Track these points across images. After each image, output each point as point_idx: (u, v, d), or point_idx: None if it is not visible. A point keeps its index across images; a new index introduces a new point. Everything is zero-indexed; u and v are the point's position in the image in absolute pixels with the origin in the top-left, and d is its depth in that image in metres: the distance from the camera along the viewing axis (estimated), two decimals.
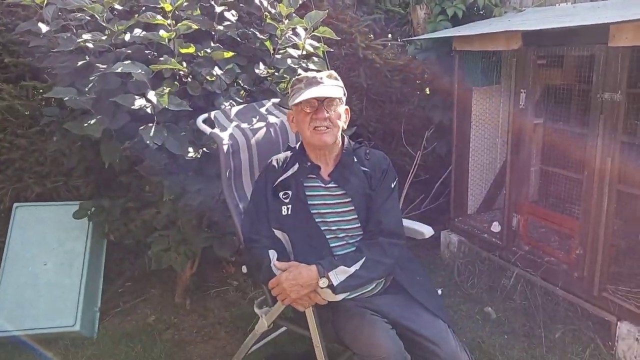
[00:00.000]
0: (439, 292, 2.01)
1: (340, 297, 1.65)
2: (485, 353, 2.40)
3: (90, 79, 2.06)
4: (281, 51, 2.37)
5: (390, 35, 3.78)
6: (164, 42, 2.06)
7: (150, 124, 2.02)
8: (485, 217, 3.33)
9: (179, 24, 2.04)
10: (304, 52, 2.35)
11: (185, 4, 2.21)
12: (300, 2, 2.44)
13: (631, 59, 2.10)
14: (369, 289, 1.84)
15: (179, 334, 2.61)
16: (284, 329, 2.36)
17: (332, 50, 2.75)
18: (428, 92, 3.76)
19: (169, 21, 2.05)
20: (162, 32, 2.01)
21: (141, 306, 2.86)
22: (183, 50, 2.04)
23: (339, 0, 3.30)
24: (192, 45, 2.07)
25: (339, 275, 1.63)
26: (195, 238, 2.47)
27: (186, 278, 2.87)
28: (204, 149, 2.18)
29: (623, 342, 2.24)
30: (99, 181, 2.79)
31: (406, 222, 2.08)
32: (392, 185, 1.83)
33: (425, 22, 3.58)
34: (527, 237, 2.76)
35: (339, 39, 2.78)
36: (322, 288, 1.63)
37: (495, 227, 3.04)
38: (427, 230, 2.04)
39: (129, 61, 1.98)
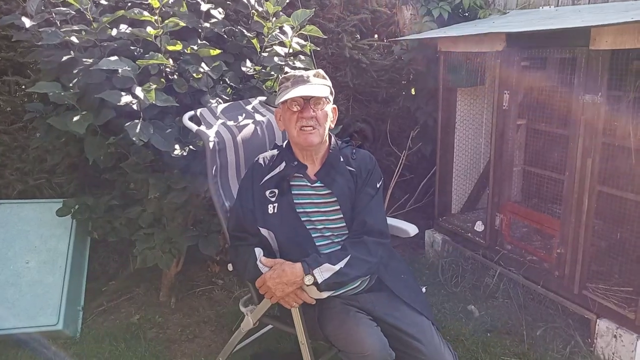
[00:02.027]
0: (423, 290, 2.03)
1: (325, 294, 1.66)
2: (469, 350, 2.43)
3: (74, 72, 2.03)
4: (268, 49, 2.38)
5: (376, 36, 3.81)
6: (150, 39, 2.05)
7: (137, 120, 2.01)
8: (469, 216, 3.37)
9: (166, 21, 2.03)
10: (291, 51, 2.35)
11: (172, 0, 2.19)
12: (288, 1, 2.45)
13: (611, 62, 2.15)
14: (353, 287, 1.85)
15: (164, 333, 2.60)
16: (269, 327, 2.38)
17: (319, 49, 2.76)
18: (414, 93, 3.79)
19: (155, 17, 2.04)
20: (149, 29, 2.00)
21: (125, 305, 2.84)
22: (170, 48, 2.03)
23: None
24: (179, 42, 2.06)
25: (324, 272, 1.64)
26: (180, 236, 2.46)
27: (171, 277, 2.86)
28: (190, 146, 2.17)
29: (602, 339, 2.28)
30: (83, 178, 2.76)
31: (391, 221, 2.11)
32: (378, 185, 1.84)
33: (411, 23, 3.60)
34: (510, 236, 2.80)
35: (326, 37, 2.79)
36: (307, 285, 1.63)
37: (479, 226, 3.08)
38: (412, 229, 2.07)
39: (115, 57, 1.96)
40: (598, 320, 2.30)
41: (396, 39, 3.51)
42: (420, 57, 3.59)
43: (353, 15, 3.45)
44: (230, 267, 1.95)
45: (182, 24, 2.05)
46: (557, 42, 2.35)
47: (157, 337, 2.56)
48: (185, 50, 2.13)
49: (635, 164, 2.48)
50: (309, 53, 2.44)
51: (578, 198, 2.32)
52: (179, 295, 2.89)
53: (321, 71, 1.80)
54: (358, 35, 3.53)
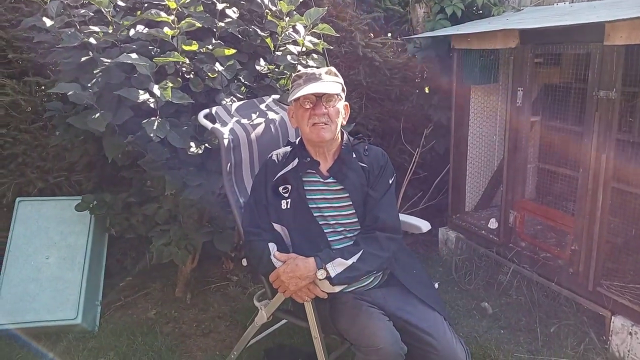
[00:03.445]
0: (436, 285, 2.04)
1: (337, 288, 1.69)
2: (482, 347, 2.43)
3: (95, 72, 2.08)
4: (281, 48, 2.40)
5: (390, 34, 3.82)
6: (167, 39, 2.09)
7: (154, 118, 2.05)
8: (483, 214, 3.36)
9: (182, 22, 2.07)
10: (304, 49, 2.38)
11: (188, 0, 2.23)
12: (301, 0, 2.48)
13: (625, 58, 2.14)
14: (366, 283, 1.87)
15: (180, 328, 2.65)
16: (283, 322, 2.40)
17: (332, 47, 2.78)
18: (427, 91, 3.79)
19: (172, 17, 2.08)
20: (166, 29, 2.04)
21: (142, 300, 2.89)
22: (186, 47, 2.07)
23: None
24: (194, 42, 2.10)
25: (336, 267, 1.66)
26: (196, 233, 2.50)
27: (187, 273, 2.90)
28: (206, 144, 2.21)
29: (617, 336, 2.27)
30: (101, 176, 2.83)
31: (404, 217, 2.12)
32: (390, 181, 1.86)
33: (425, 21, 3.61)
34: (524, 233, 2.79)
35: (339, 35, 2.81)
36: (320, 280, 1.66)
37: (493, 223, 3.07)
38: (424, 225, 2.08)
39: (135, 54, 2.01)
40: (613, 317, 2.29)
41: (409, 37, 3.52)
42: (433, 55, 3.59)
43: (366, 14, 3.46)
44: (244, 262, 1.99)
45: (198, 24, 2.09)
46: (571, 38, 2.34)
47: (172, 331, 2.61)
48: (201, 50, 2.17)
49: None
50: (321, 51, 2.46)
51: (592, 194, 2.31)
52: (194, 291, 2.94)
53: (333, 69, 1.83)
54: (371, 34, 3.55)
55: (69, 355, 2.39)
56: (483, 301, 2.80)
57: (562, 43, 2.40)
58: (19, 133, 2.71)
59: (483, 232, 3.06)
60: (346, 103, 1.85)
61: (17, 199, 2.72)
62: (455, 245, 3.24)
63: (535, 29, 2.46)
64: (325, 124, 1.75)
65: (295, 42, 2.39)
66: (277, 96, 2.35)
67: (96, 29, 2.10)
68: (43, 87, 2.77)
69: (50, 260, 2.61)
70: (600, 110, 2.21)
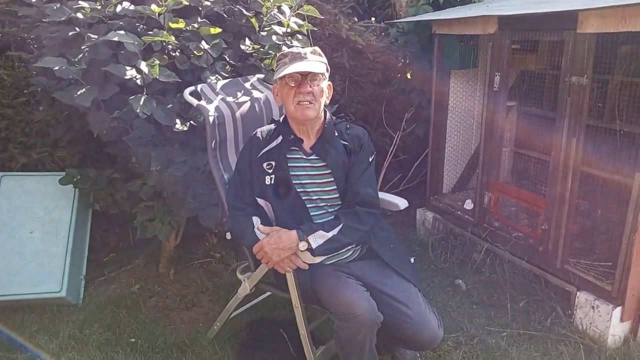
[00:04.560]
0: (412, 260, 2.14)
1: (318, 259, 1.76)
2: (454, 321, 2.55)
3: (82, 48, 2.10)
4: (266, 28, 2.44)
5: (373, 18, 3.87)
6: (154, 16, 2.11)
7: (140, 95, 2.08)
8: (459, 196, 3.47)
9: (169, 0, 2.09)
10: (289, 30, 2.42)
11: None
12: None
13: (597, 45, 2.23)
14: (346, 256, 1.96)
15: (163, 302, 2.71)
16: (265, 295, 2.48)
17: (316, 29, 2.82)
18: (409, 76, 3.86)
19: None
20: (153, 7, 2.06)
21: (125, 276, 2.94)
22: (173, 25, 2.10)
23: None
24: (181, 20, 2.12)
25: (317, 239, 1.74)
26: (180, 209, 2.54)
27: (170, 249, 2.95)
28: (191, 121, 2.25)
29: (581, 310, 2.41)
30: (85, 152, 2.84)
31: (383, 195, 2.21)
32: (370, 159, 1.93)
33: (407, 6, 3.67)
34: (497, 214, 2.90)
35: (323, 17, 2.85)
36: (302, 251, 1.73)
37: (468, 204, 3.18)
38: (402, 203, 2.17)
39: (123, 31, 2.03)
40: (578, 292, 2.42)
41: (392, 21, 3.58)
42: (415, 40, 3.66)
43: None
44: (228, 235, 2.05)
45: (185, 2, 2.12)
46: (547, 25, 2.43)
47: (156, 305, 2.67)
48: (187, 28, 2.20)
49: (618, 145, 2.59)
50: (305, 33, 2.51)
51: (562, 177, 2.42)
52: (178, 267, 3.00)
53: (318, 49, 1.88)
54: (355, 18, 3.59)
55: (54, 326, 2.44)
56: (457, 278, 2.91)
57: (538, 30, 2.48)
58: (1, 108, 2.71)
59: (459, 212, 3.17)
60: (329, 83, 1.91)
61: (0, 174, 2.72)
62: (432, 225, 3.35)
63: (513, 16, 2.54)
64: (310, 102, 1.81)
65: (280, 23, 2.44)
66: (261, 75, 2.39)
67: (84, 4, 2.10)
68: (25, 63, 2.76)
69: (34, 235, 2.63)
70: (572, 96, 2.31)
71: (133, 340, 2.35)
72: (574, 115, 2.31)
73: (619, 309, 2.28)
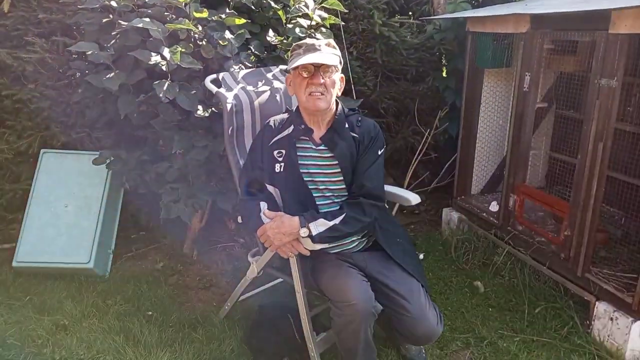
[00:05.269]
0: (421, 256, 2.13)
1: (318, 246, 1.79)
2: (467, 322, 2.52)
3: (112, 34, 2.22)
4: (293, 21, 2.49)
5: (411, 14, 3.84)
6: (180, 6, 2.20)
7: (164, 80, 2.18)
8: (488, 197, 3.40)
9: None
10: (313, 23, 2.45)
11: None
12: None
13: (629, 47, 2.14)
14: (351, 246, 1.98)
15: (183, 280, 2.83)
16: (278, 280, 2.54)
17: (343, 23, 2.84)
18: (444, 74, 3.82)
19: None
20: None
21: (152, 253, 3.09)
22: (197, 15, 2.18)
23: None
24: (205, 10, 2.20)
25: (318, 226, 1.78)
26: (202, 192, 2.64)
27: (195, 231, 3.07)
28: (213, 108, 2.33)
29: (599, 321, 2.32)
30: (119, 134, 2.98)
31: (395, 189, 2.22)
32: (379, 152, 1.94)
33: (446, 3, 3.62)
34: (522, 217, 2.83)
35: (347, 12, 2.86)
36: (303, 237, 1.77)
37: (494, 206, 3.12)
38: (414, 198, 2.17)
39: (148, 19, 2.13)
40: (597, 302, 2.33)
41: (426, 17, 3.54)
42: (452, 38, 3.61)
43: None
44: (239, 219, 2.12)
45: None
46: (579, 26, 2.35)
47: (176, 283, 2.79)
48: (212, 18, 2.28)
49: None
50: (328, 26, 2.53)
51: (587, 182, 2.33)
52: (201, 249, 3.11)
53: (332, 41, 1.91)
54: (391, 13, 3.58)
55: (80, 295, 2.60)
56: (477, 280, 2.87)
57: (570, 30, 2.40)
58: (45, 89, 2.89)
59: (484, 214, 3.11)
60: (342, 75, 1.93)
61: (42, 151, 2.91)
62: (457, 226, 3.31)
63: (545, 15, 2.47)
64: (322, 93, 1.84)
65: (306, 16, 2.47)
66: (284, 67, 2.44)
67: None
68: (69, 47, 2.94)
69: (69, 209, 2.80)
70: (601, 99, 2.23)
71: (150, 313, 2.48)
72: (601, 118, 2.23)
73: (639, 322, 2.18)
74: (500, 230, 2.96)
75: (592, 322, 2.36)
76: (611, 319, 2.26)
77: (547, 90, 3.28)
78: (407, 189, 3.55)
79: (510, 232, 2.86)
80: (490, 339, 2.38)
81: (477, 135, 3.34)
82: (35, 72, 2.86)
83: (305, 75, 1.84)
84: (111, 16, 2.30)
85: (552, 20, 2.50)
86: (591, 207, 2.34)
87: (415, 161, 3.68)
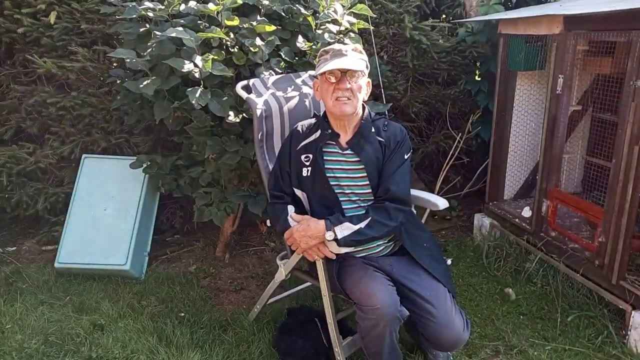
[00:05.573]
0: (449, 262, 2.12)
1: (343, 250, 1.81)
2: (497, 329, 2.48)
3: (149, 44, 2.31)
4: (322, 27, 2.52)
5: (444, 16, 3.82)
6: (212, 15, 2.27)
7: (197, 87, 2.25)
8: (521, 203, 3.34)
9: None
10: (343, 28, 2.49)
11: None
12: None
13: None
14: (377, 250, 2.00)
15: (215, 283, 2.89)
16: (306, 284, 2.57)
17: (372, 27, 2.85)
18: (477, 77, 3.78)
19: None
20: (210, 5, 2.22)
21: (185, 256, 3.17)
22: (228, 23, 2.25)
23: None
24: (236, 18, 2.27)
25: (344, 230, 1.80)
26: (233, 196, 2.70)
27: (227, 235, 3.14)
28: (244, 114, 2.39)
29: (635, 331, 2.24)
30: (156, 140, 3.10)
31: (423, 194, 2.22)
32: (405, 157, 1.95)
33: (478, 5, 3.59)
34: (555, 223, 2.77)
35: (375, 16, 2.87)
36: (328, 240, 1.80)
37: (526, 212, 3.06)
38: (442, 203, 2.15)
39: (181, 28, 2.21)
40: (633, 312, 2.26)
41: (458, 20, 3.52)
42: (484, 40, 3.57)
43: None
44: (268, 222, 2.16)
45: (240, 1, 2.25)
46: (614, 26, 2.29)
47: (208, 285, 2.86)
48: (243, 25, 2.34)
49: None
50: (357, 31, 2.56)
51: (622, 187, 2.27)
52: (233, 252, 3.17)
53: (359, 46, 1.93)
54: (422, 17, 3.57)
55: (117, 295, 2.70)
56: (508, 287, 2.82)
57: (604, 30, 2.35)
58: (87, 96, 3.02)
59: (517, 220, 3.06)
60: (369, 80, 1.95)
61: (83, 156, 3.04)
62: (489, 231, 3.26)
63: (578, 15, 2.42)
64: (348, 98, 1.86)
65: (335, 21, 2.51)
66: (313, 72, 2.48)
67: (150, 4, 2.31)
68: (108, 54, 3.07)
69: (108, 212, 2.91)
70: (637, 100, 2.17)
71: (182, 314, 2.54)
72: (637, 121, 2.17)
73: None
74: (532, 236, 2.90)
75: (629, 332, 2.29)
76: None
77: (583, 92, 3.21)
78: (438, 194, 3.54)
79: (543, 239, 2.81)
80: (520, 347, 2.34)
81: (510, 140, 3.28)
82: (77, 80, 3.00)
83: (333, 81, 1.86)
84: (147, 26, 2.40)
85: (586, 21, 2.45)
86: (626, 213, 2.28)
87: (446, 166, 3.65)
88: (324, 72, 1.86)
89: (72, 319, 2.49)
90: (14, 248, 3.22)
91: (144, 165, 2.85)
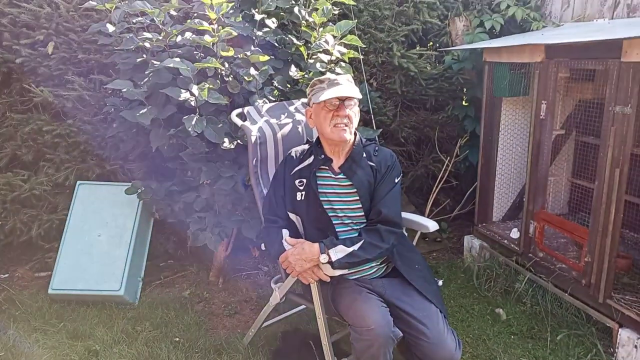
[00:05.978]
0: (440, 282, 2.17)
1: (337, 272, 1.86)
2: (489, 349, 2.52)
3: (146, 73, 2.38)
4: (314, 56, 2.62)
5: (431, 44, 3.95)
6: (208, 46, 2.35)
7: (193, 115, 2.32)
8: (509, 225, 3.42)
9: (221, 30, 2.33)
10: (333, 58, 2.58)
11: (231, 11, 2.50)
12: (337, 12, 2.68)
13: None
14: (370, 272, 2.04)
15: (209, 307, 2.90)
16: (301, 307, 2.60)
17: (362, 57, 2.96)
18: (464, 102, 3.89)
19: (214, 26, 2.35)
20: (206, 37, 2.31)
21: (179, 281, 3.19)
22: (223, 53, 2.33)
23: (378, 11, 3.50)
24: (231, 48, 2.35)
25: (338, 252, 1.85)
26: (227, 220, 2.74)
27: (221, 260, 3.16)
28: (238, 141, 2.46)
29: (623, 348, 2.30)
30: (151, 166, 3.14)
31: (414, 217, 2.28)
32: (396, 180, 2.02)
33: (464, 34, 3.72)
34: (542, 244, 2.84)
35: (365, 46, 2.97)
36: (323, 263, 1.85)
37: (514, 233, 3.13)
38: (432, 225, 2.21)
39: (178, 58, 2.28)
40: (620, 329, 2.32)
41: (443, 49, 3.65)
42: (470, 68, 3.70)
43: (405, 25, 3.62)
44: (263, 246, 2.20)
45: (234, 33, 2.34)
46: (592, 55, 2.41)
47: (202, 309, 2.87)
48: (238, 56, 2.42)
49: None
50: (347, 60, 2.66)
51: (606, 208, 2.35)
52: (227, 276, 3.19)
53: (349, 76, 2.02)
54: (410, 45, 3.70)
55: (111, 320, 2.70)
56: (498, 307, 2.87)
57: (583, 59, 2.46)
58: (82, 124, 3.07)
59: (505, 241, 3.13)
60: (359, 107, 2.03)
61: (78, 182, 3.07)
62: (478, 253, 3.32)
63: (559, 45, 2.54)
64: (346, 125, 1.94)
65: (326, 51, 2.60)
66: (306, 100, 2.55)
67: (149, 35, 2.39)
68: (105, 85, 3.13)
69: (102, 238, 2.93)
70: (616, 125, 2.27)
71: (177, 339, 2.55)
72: (617, 145, 2.26)
73: None
74: (521, 257, 2.97)
75: (616, 350, 2.34)
76: (635, 346, 2.25)
77: (567, 117, 3.32)
78: (428, 216, 3.61)
79: (532, 259, 2.87)
80: None
81: (497, 163, 3.38)
82: (73, 108, 3.05)
83: (331, 108, 1.93)
84: (144, 56, 2.47)
85: (566, 50, 2.57)
86: (610, 233, 2.35)
87: (436, 189, 3.73)
88: (323, 101, 1.92)
89: (66, 346, 2.49)
90: (6, 275, 3.22)
91: (139, 191, 2.89)
